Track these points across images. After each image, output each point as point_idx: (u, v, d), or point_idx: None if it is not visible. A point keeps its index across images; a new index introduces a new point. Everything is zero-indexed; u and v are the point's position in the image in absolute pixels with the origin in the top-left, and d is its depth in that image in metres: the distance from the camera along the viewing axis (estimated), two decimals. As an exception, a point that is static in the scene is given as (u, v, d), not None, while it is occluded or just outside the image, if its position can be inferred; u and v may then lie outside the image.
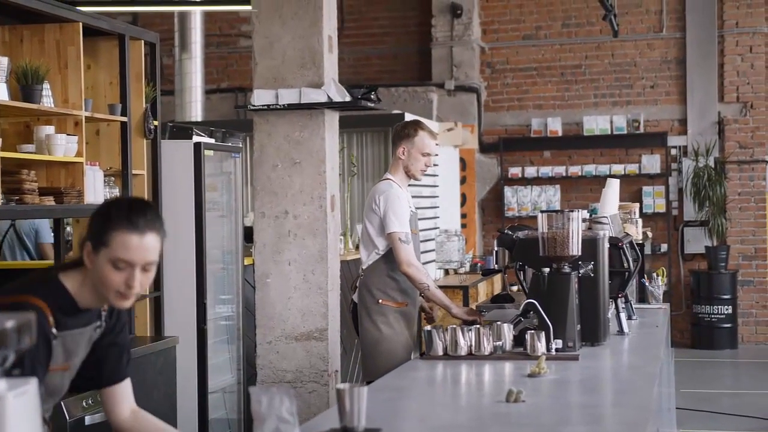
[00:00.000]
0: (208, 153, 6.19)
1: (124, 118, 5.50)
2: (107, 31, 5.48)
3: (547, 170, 12.06)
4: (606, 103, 12.19)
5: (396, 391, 3.54)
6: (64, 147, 4.94)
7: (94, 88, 5.55)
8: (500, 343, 4.03)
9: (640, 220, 6.77)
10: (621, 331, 4.71)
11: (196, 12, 10.92)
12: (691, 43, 11.93)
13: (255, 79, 5.24)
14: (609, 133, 11.96)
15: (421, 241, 6.62)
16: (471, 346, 4.01)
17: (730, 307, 11.47)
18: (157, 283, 5.86)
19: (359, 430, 2.59)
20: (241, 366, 6.64)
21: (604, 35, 11.90)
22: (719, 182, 11.52)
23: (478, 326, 4.08)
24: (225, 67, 13.03)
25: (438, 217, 10.31)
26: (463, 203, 11.75)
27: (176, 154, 6.04)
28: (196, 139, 6.25)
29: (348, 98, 5.13)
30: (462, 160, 11.78)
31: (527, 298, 4.17)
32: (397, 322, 5.09)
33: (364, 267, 5.15)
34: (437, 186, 10.21)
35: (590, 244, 4.31)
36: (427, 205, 9.83)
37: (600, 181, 8.06)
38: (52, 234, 6.54)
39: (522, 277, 4.68)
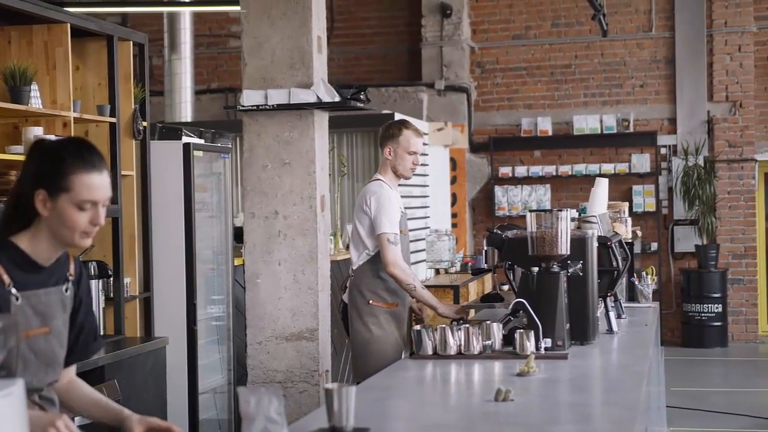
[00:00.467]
0: (197, 153, 6.19)
1: (113, 119, 5.49)
2: (96, 32, 5.48)
3: (537, 170, 12.07)
4: (596, 103, 12.21)
5: (385, 391, 3.54)
6: (53, 148, 4.92)
7: (82, 89, 5.54)
8: (489, 342, 4.03)
9: (629, 219, 6.78)
10: (610, 330, 4.71)
11: (186, 12, 10.91)
12: (680, 43, 11.95)
13: (244, 79, 5.23)
14: (599, 132, 11.97)
15: (412, 241, 6.62)
16: (460, 345, 4.02)
17: (720, 305, 11.50)
18: (147, 284, 5.86)
19: (348, 429, 2.59)
20: (231, 366, 6.64)
21: (593, 35, 11.93)
22: (709, 181, 11.54)
23: (467, 326, 4.08)
24: (214, 68, 13.02)
25: (428, 217, 10.31)
26: (453, 203, 11.75)
27: (166, 155, 6.04)
28: (185, 139, 6.25)
29: (337, 98, 5.13)
30: (452, 160, 11.78)
31: (516, 298, 4.18)
32: (387, 323, 5.10)
33: (354, 267, 5.15)
34: (428, 186, 10.21)
35: (579, 244, 4.32)
36: (418, 205, 9.84)
37: (590, 180, 8.07)
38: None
39: (511, 277, 4.69)
